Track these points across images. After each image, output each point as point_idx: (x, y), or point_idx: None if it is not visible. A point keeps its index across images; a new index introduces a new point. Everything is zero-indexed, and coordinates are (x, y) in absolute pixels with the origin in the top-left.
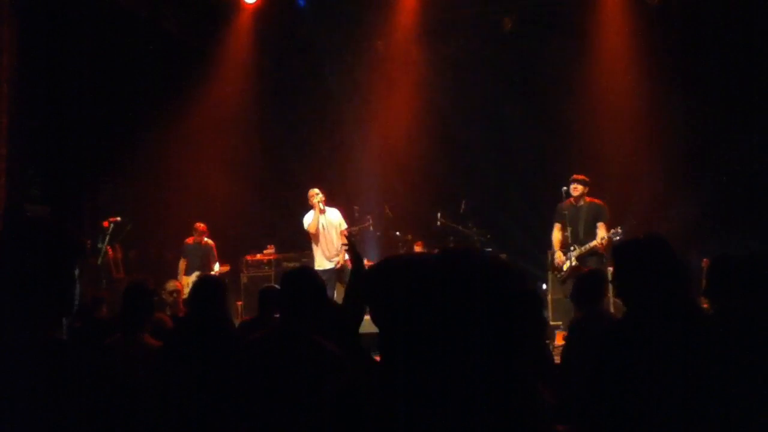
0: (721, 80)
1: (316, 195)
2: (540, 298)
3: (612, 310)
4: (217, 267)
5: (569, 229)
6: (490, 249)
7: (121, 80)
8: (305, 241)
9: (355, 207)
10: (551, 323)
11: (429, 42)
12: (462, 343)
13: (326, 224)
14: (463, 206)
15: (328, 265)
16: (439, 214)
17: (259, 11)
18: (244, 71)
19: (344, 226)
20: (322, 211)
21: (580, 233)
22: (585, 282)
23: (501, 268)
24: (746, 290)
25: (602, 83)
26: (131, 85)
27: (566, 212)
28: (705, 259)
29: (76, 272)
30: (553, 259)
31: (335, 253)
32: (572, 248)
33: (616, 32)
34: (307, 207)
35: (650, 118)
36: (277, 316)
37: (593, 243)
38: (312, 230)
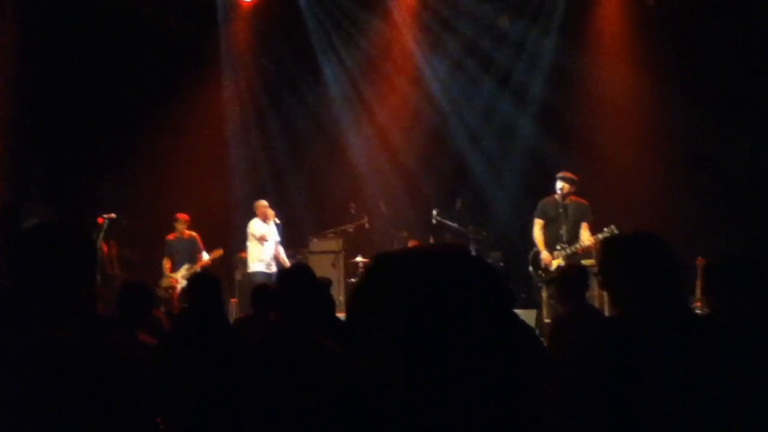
0: (720, 80)
1: (268, 206)
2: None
3: (603, 305)
4: (206, 256)
5: (552, 228)
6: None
7: (121, 76)
8: (301, 238)
9: (351, 204)
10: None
11: (425, 39)
12: (463, 342)
13: (271, 234)
14: (458, 204)
15: (264, 269)
16: (434, 212)
17: (257, 9)
18: (241, 69)
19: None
20: (268, 220)
21: (565, 233)
22: (568, 278)
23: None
24: (745, 290)
25: (601, 83)
26: (131, 81)
27: (550, 210)
28: (699, 258)
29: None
30: (535, 257)
31: (271, 262)
32: (558, 248)
33: (614, 31)
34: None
35: (649, 117)
36: (273, 314)
37: (586, 243)
38: (267, 237)
